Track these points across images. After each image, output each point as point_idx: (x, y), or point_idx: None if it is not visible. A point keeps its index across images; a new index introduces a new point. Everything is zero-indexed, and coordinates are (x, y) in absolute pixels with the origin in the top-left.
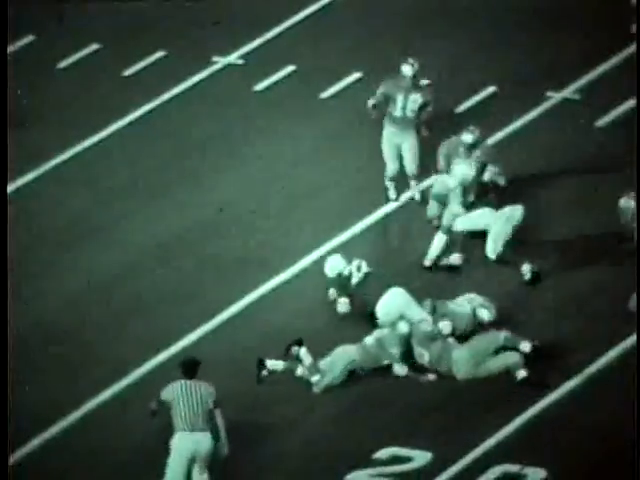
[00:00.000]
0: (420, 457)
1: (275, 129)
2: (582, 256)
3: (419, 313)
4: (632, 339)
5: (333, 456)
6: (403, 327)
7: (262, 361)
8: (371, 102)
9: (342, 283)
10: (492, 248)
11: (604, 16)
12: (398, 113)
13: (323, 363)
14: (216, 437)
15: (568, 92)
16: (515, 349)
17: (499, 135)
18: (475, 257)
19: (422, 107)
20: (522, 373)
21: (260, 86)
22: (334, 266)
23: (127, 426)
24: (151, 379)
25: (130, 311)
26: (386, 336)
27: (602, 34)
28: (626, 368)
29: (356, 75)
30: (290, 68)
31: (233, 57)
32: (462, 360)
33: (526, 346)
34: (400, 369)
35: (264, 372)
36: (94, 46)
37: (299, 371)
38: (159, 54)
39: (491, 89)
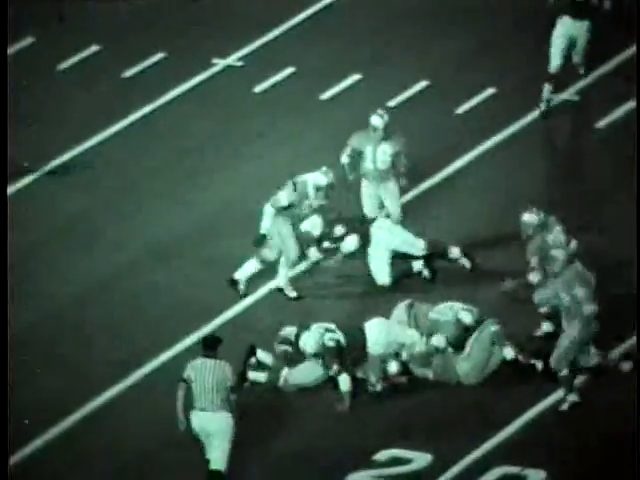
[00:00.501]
0: (420, 459)
1: (275, 130)
2: (583, 256)
3: (408, 336)
4: (632, 339)
5: (333, 458)
6: (393, 367)
7: (253, 348)
8: (344, 159)
9: (331, 355)
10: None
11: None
12: (369, 166)
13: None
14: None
15: (568, 93)
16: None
17: (498, 137)
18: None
19: (394, 157)
20: (510, 352)
21: (260, 88)
22: (310, 346)
23: (127, 427)
24: (151, 380)
25: (130, 311)
26: (374, 364)
27: (602, 35)
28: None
29: (356, 76)
30: (290, 70)
31: (233, 59)
32: (467, 371)
33: (509, 353)
34: (374, 389)
35: (249, 377)
36: (94, 47)
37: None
38: (159, 55)
39: (490, 90)
